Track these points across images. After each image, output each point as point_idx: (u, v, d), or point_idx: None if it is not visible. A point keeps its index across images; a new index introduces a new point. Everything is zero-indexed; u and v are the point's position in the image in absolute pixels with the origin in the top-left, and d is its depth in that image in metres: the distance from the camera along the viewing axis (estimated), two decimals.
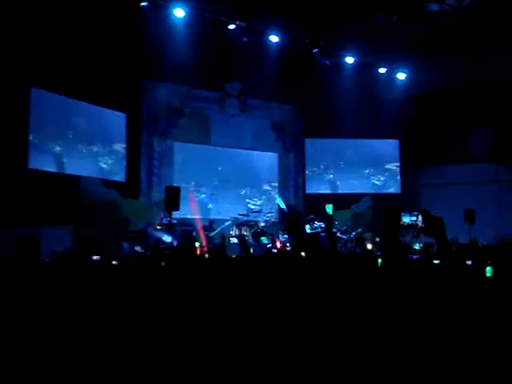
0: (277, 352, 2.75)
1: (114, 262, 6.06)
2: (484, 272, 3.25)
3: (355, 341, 2.66)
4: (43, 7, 10.92)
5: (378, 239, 12.66)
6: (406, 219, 10.03)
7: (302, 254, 3.39)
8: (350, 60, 15.32)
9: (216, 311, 3.24)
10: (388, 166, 17.33)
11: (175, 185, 13.27)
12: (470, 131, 15.31)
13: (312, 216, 13.99)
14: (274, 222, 14.55)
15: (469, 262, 5.27)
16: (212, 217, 14.70)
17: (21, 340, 3.11)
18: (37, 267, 5.57)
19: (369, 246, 11.63)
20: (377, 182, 17.31)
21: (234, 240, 13.03)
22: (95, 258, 7.41)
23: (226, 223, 13.63)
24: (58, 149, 12.46)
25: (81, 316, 3.41)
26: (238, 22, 13.43)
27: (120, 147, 14.08)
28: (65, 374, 2.90)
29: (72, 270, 5.00)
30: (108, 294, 3.83)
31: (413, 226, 9.50)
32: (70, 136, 12.78)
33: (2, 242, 8.73)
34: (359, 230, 14.16)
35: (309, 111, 16.58)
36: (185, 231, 12.24)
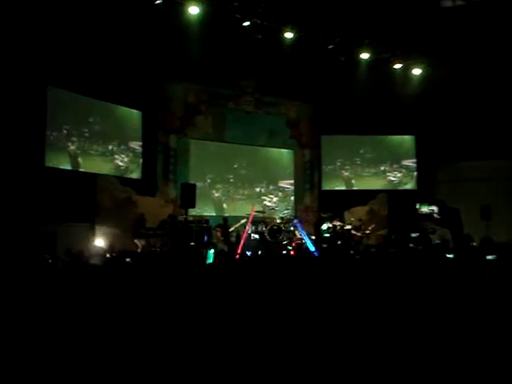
0: (278, 350, 2.76)
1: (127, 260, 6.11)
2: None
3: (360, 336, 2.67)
4: (60, 7, 11.02)
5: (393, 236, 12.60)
6: (424, 209, 10.14)
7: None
8: (365, 56, 15.20)
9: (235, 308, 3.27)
10: (404, 163, 17.20)
11: (191, 182, 13.34)
12: (487, 127, 15.07)
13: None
14: (289, 219, 14.50)
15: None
16: (227, 214, 14.88)
17: (28, 334, 3.16)
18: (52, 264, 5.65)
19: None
20: (393, 179, 17.19)
21: (256, 236, 13.17)
22: (108, 255, 7.48)
23: (242, 221, 13.62)
24: (74, 147, 12.57)
25: (96, 312, 3.46)
26: (252, 19, 13.41)
27: (136, 145, 14.18)
28: (66, 371, 2.94)
29: (87, 266, 5.07)
30: (121, 291, 3.88)
31: (429, 215, 9.59)
32: (87, 134, 12.88)
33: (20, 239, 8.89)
34: (373, 226, 14.11)
35: (324, 108, 16.54)
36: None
